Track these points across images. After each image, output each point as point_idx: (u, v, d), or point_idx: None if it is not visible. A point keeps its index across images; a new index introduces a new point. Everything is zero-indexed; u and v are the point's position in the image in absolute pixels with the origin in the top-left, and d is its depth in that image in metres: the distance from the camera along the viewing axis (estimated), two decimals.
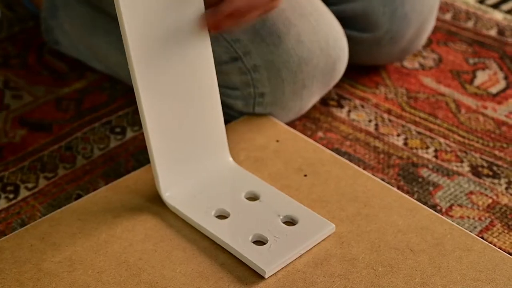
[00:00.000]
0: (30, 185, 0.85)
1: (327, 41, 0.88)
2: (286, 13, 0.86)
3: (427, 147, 0.91)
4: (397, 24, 0.97)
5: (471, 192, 0.84)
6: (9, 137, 0.93)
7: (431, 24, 1.02)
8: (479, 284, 0.67)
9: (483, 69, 1.07)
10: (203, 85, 0.76)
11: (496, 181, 0.86)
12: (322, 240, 0.71)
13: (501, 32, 1.16)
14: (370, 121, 0.96)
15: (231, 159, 0.80)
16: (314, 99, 0.92)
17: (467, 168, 0.88)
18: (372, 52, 1.01)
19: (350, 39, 0.96)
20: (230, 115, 0.90)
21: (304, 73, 0.87)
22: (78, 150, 0.91)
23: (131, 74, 0.70)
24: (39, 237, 0.72)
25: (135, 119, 0.96)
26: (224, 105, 0.87)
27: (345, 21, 0.96)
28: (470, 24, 1.18)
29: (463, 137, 0.93)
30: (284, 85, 0.87)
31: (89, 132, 0.94)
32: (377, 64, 1.05)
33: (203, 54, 0.74)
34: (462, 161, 0.89)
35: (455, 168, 0.88)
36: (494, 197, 0.83)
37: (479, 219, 0.81)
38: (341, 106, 0.99)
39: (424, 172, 0.87)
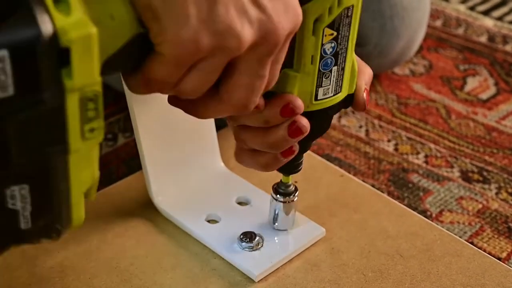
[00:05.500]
0: None
1: None
2: None
3: (418, 153, 0.92)
4: (386, 38, 0.97)
5: (461, 198, 0.85)
6: None
7: (421, 36, 1.03)
8: None
9: (474, 75, 1.08)
10: None
11: (486, 186, 0.86)
12: (313, 246, 0.72)
13: (491, 38, 1.16)
14: (360, 127, 0.97)
15: (222, 164, 0.80)
16: None
17: (457, 174, 0.88)
18: None
19: None
20: (222, 121, 0.90)
21: None
22: None
23: (123, 79, 0.70)
24: None
25: (126, 126, 0.96)
26: None
27: None
28: (460, 30, 1.19)
29: (454, 142, 0.94)
30: None
31: None
32: None
33: None
34: (452, 167, 0.89)
35: (445, 174, 0.88)
36: (484, 202, 0.84)
37: (469, 224, 0.81)
38: None
39: (414, 177, 0.87)
